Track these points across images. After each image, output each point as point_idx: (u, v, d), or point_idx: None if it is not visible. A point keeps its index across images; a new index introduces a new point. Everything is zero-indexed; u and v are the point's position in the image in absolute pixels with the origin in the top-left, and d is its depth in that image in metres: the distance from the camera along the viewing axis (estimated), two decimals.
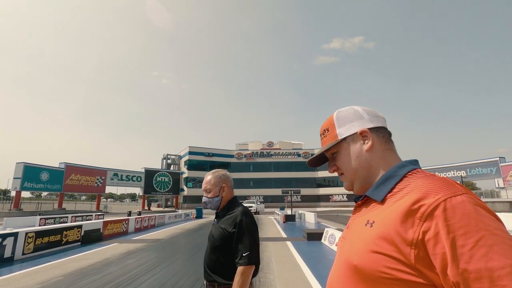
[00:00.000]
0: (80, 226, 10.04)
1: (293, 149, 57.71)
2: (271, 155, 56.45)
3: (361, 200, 0.70)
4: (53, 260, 7.21)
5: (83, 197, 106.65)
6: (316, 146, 56.99)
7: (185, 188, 50.82)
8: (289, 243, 9.77)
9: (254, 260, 1.52)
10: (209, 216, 28.85)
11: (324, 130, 0.79)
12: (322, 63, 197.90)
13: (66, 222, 17.25)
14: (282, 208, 33.12)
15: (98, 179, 40.14)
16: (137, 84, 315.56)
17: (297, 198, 50.67)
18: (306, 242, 10.09)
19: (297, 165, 55.58)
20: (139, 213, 27.00)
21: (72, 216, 19.29)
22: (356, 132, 0.71)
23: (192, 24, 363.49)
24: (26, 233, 7.75)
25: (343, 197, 50.91)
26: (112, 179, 42.26)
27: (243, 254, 1.51)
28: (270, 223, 18.90)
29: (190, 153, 52.84)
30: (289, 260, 7.18)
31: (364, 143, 0.70)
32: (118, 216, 23.03)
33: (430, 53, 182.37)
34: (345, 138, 0.73)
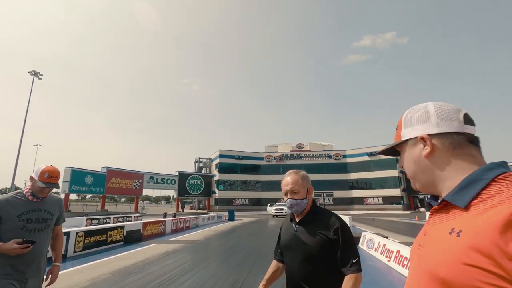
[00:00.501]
0: (122, 227, 10.65)
1: (323, 150, 56.54)
2: (301, 157, 55.78)
3: (439, 204, 0.64)
4: (100, 258, 7.71)
5: (122, 199, 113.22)
6: (347, 147, 55.45)
7: (216, 190, 51.91)
8: None
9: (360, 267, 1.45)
10: (241, 218, 29.10)
11: (397, 126, 0.77)
12: (352, 62, 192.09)
13: (109, 223, 18.40)
14: None
15: (136, 182, 42.43)
16: (169, 91, 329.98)
17: (329, 200, 49.48)
18: None
19: (329, 167, 54.32)
20: (174, 215, 28.03)
21: (114, 217, 20.57)
22: (417, 137, 0.69)
23: (218, 29, 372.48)
24: (77, 233, 8.39)
25: (378, 199, 48.73)
26: (148, 182, 44.44)
27: (353, 261, 1.41)
28: None
29: (221, 156, 53.93)
30: None
31: (423, 149, 0.68)
32: (155, 217, 24.11)
33: (471, 46, 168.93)
34: (407, 140, 0.71)
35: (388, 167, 48.74)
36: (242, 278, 5.62)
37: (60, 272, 6.41)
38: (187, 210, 52.27)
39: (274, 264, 1.79)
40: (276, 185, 54.12)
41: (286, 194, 1.61)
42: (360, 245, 9.59)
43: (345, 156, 55.23)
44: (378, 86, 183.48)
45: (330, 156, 55.29)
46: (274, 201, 44.42)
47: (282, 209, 33.50)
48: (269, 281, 1.72)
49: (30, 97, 34.58)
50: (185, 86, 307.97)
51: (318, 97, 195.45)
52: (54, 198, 2.25)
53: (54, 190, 2.17)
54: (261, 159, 56.51)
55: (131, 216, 23.13)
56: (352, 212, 41.78)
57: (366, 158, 52.10)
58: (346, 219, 19.12)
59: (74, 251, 8.19)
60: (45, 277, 2.21)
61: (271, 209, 34.59)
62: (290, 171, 1.70)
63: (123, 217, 21.99)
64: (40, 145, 58.79)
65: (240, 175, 54.19)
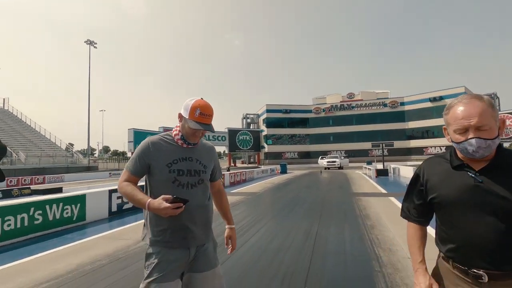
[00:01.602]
0: None
1: (377, 99, 52.25)
2: (352, 107, 52.52)
3: None
4: None
5: None
6: (406, 93, 50.26)
7: (265, 145, 52.73)
8: (393, 199, 8.94)
9: None
10: (293, 171, 29.35)
11: None
12: None
13: None
14: (369, 163, 31.25)
15: None
16: (213, 49, 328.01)
17: (384, 152, 46.95)
18: None
19: (383, 116, 50.56)
20: (228, 169, 29.45)
21: None
22: None
23: None
24: None
25: (441, 149, 44.63)
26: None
27: None
28: (361, 178, 17.95)
29: (268, 111, 53.54)
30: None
31: None
32: None
33: None
34: None
35: None
36: (314, 230, 5.46)
37: (138, 223, 6.83)
38: (238, 164, 54.73)
39: (414, 230, 1.28)
40: (326, 138, 52.87)
41: (464, 131, 1.04)
42: None
43: (402, 104, 50.46)
44: (442, 16, 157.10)
45: (385, 105, 51.04)
46: (324, 154, 43.71)
47: (334, 161, 32.86)
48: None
49: (89, 65, 37.18)
50: (227, 42, 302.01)
51: (369, 40, 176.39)
52: (206, 145, 1.74)
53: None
54: (309, 111, 54.72)
55: None
56: (409, 163, 39.23)
57: (428, 105, 46.89)
58: (408, 170, 17.89)
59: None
60: (225, 242, 1.79)
61: (323, 162, 34.19)
62: (464, 96, 1.08)
63: None
64: (105, 111, 65.06)
65: (288, 129, 53.71)
